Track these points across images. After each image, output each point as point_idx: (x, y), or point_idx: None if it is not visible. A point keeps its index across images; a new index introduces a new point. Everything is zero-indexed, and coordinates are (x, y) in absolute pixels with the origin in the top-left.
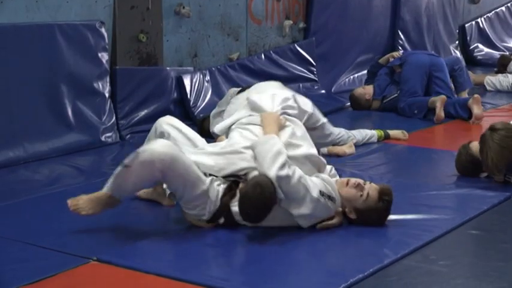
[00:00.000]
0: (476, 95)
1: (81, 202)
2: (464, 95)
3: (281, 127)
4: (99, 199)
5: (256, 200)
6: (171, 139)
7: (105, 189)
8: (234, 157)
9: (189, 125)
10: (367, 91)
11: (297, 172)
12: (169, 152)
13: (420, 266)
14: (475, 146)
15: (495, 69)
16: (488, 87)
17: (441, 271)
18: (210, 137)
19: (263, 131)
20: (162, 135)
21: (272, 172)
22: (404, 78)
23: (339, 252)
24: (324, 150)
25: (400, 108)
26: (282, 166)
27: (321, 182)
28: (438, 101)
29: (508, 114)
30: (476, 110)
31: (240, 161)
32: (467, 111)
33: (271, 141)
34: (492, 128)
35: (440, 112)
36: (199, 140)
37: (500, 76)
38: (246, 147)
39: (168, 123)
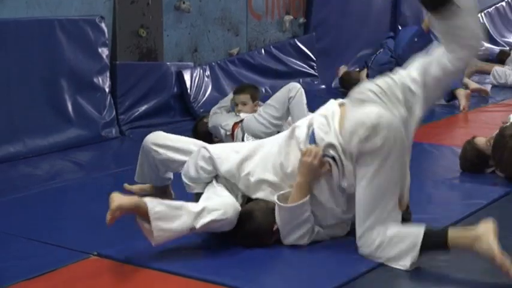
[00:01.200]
0: (468, 91)
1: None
2: (460, 92)
3: (317, 178)
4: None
5: (242, 231)
6: (159, 162)
7: (149, 205)
8: (253, 186)
9: (188, 120)
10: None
11: (317, 237)
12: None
13: (420, 261)
14: (479, 141)
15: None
16: (493, 80)
17: (441, 266)
18: (207, 138)
19: (297, 178)
20: (152, 159)
21: (287, 241)
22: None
23: (339, 246)
24: None
25: None
26: (301, 237)
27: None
28: (464, 98)
29: (508, 109)
30: (464, 102)
31: (257, 191)
32: (450, 96)
33: (301, 209)
34: None
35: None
36: (195, 147)
37: (507, 69)
38: (270, 185)
39: (154, 143)
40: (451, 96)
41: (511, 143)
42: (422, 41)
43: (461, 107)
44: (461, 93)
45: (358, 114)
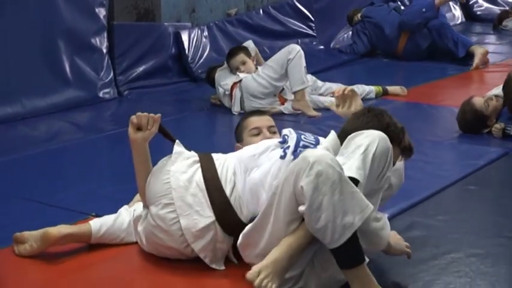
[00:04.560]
0: (485, 49)
1: None
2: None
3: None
4: None
5: None
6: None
7: None
8: None
9: (186, 81)
10: None
11: None
12: None
13: (418, 221)
14: (477, 101)
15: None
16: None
17: (439, 226)
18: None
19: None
20: None
21: None
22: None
23: None
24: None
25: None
26: None
27: None
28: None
29: (508, 70)
30: (477, 60)
31: None
32: (465, 52)
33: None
34: None
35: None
36: None
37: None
38: None
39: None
40: (467, 53)
41: None
42: (429, 14)
43: (474, 65)
44: (478, 50)
45: None
